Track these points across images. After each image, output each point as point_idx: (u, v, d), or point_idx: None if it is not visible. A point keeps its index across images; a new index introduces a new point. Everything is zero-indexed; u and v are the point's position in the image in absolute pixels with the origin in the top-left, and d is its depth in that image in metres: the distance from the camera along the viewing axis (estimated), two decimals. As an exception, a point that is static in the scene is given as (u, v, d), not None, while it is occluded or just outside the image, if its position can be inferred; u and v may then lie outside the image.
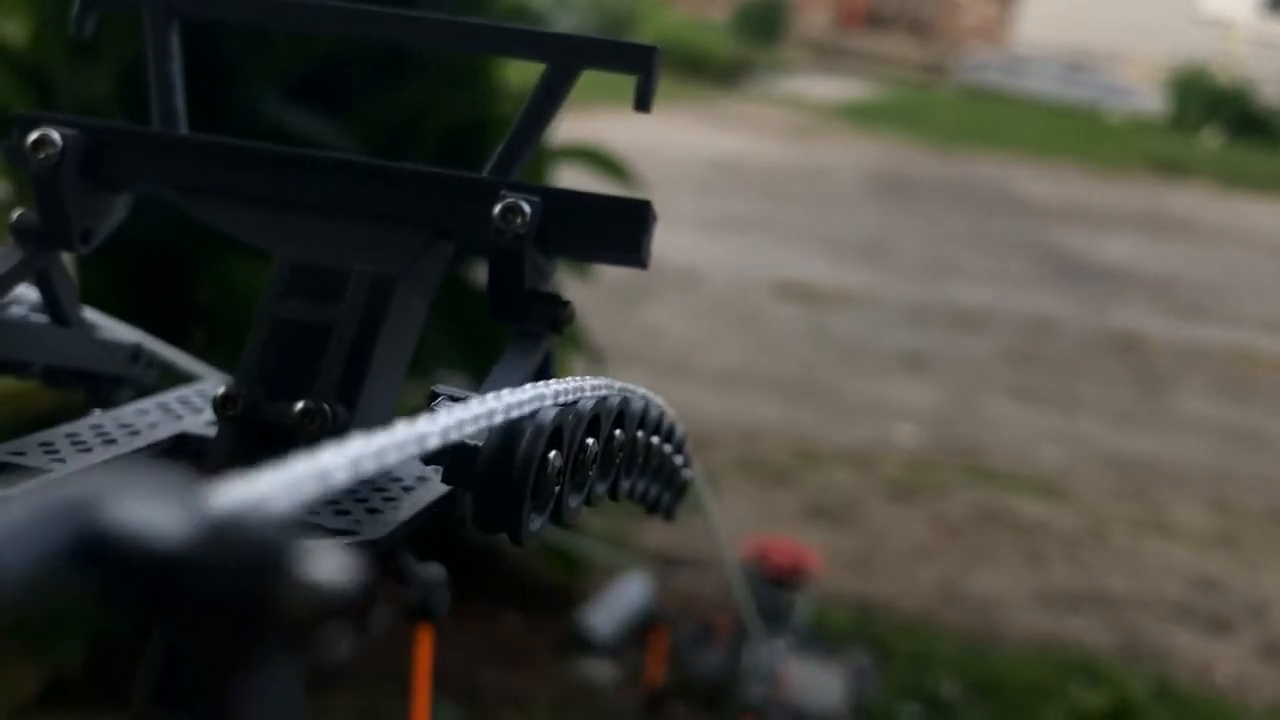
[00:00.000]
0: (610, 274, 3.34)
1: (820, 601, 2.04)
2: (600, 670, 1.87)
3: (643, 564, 2.10)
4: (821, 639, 1.96)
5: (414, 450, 0.22)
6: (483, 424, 0.27)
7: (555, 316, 0.38)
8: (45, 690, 1.51)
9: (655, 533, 2.23)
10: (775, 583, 1.79)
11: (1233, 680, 2.13)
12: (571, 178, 2.07)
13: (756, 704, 1.66)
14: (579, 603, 1.99)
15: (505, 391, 0.28)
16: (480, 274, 1.69)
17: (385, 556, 0.37)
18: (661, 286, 4.04)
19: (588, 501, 0.35)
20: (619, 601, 1.99)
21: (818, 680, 1.82)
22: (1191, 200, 7.36)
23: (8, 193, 1.58)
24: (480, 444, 0.30)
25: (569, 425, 0.32)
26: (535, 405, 0.30)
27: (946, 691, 1.95)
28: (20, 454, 0.34)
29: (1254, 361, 4.18)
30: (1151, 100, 11.09)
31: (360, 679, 1.74)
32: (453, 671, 1.81)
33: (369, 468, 0.20)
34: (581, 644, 1.92)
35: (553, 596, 2.00)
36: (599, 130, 2.28)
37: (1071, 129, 9.50)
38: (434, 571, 0.51)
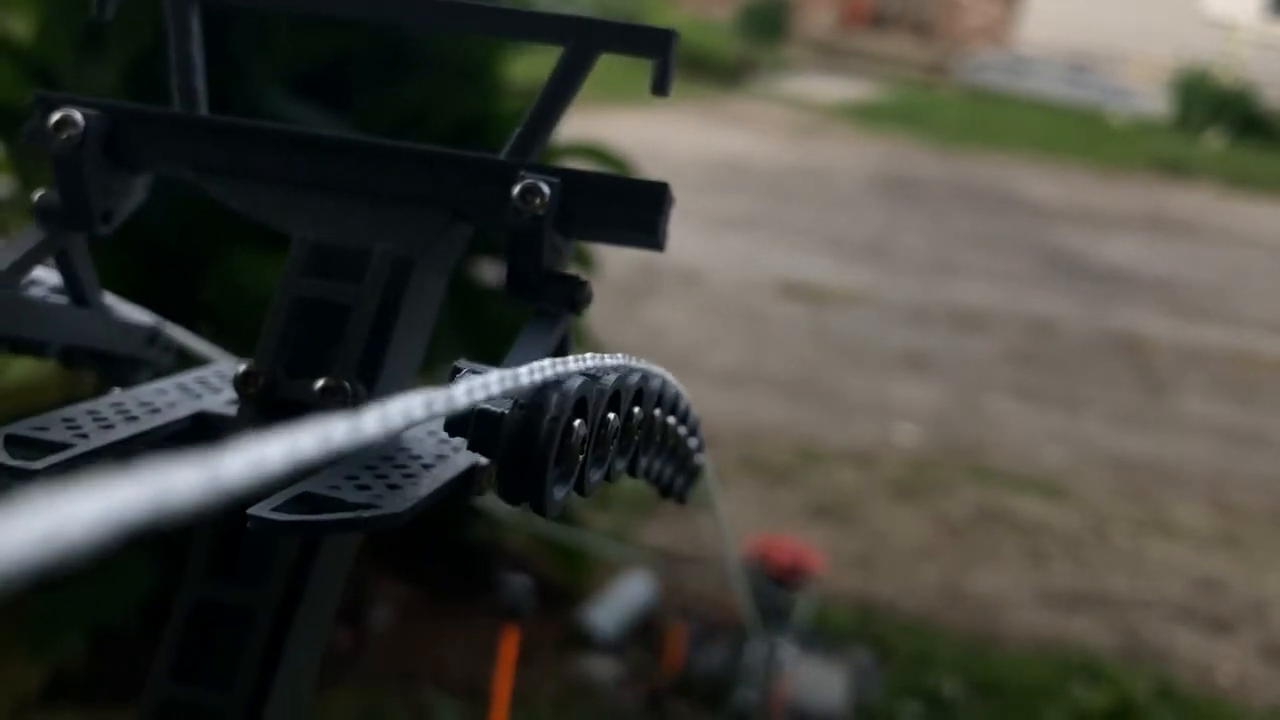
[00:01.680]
0: (613, 272, 3.33)
1: (822, 601, 2.04)
2: (602, 667, 1.88)
3: (645, 562, 2.11)
4: (823, 638, 1.96)
5: (441, 411, 0.23)
6: (509, 388, 0.27)
7: (573, 296, 0.38)
8: (47, 686, 1.51)
9: (657, 531, 2.23)
10: (777, 582, 1.79)
11: (1234, 681, 2.13)
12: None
13: (746, 710, 1.66)
14: (581, 600, 1.99)
15: (532, 364, 0.28)
16: (488, 270, 1.70)
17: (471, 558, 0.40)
18: (664, 285, 4.04)
19: (608, 477, 0.35)
20: (621, 599, 1.99)
21: (819, 679, 1.83)
22: (1194, 202, 7.36)
23: (12, 188, 1.58)
24: (505, 412, 0.30)
25: (593, 396, 0.32)
26: (559, 376, 0.30)
27: (947, 691, 1.95)
28: (44, 429, 0.34)
29: (1255, 362, 4.18)
30: (1155, 102, 11.09)
31: (362, 677, 1.74)
32: (454, 667, 1.81)
33: (400, 425, 0.20)
34: (584, 641, 1.92)
35: (555, 594, 2.00)
36: (603, 128, 2.29)
37: (1074, 130, 9.50)
38: (522, 579, 0.55)
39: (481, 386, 0.25)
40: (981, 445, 3.08)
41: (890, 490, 2.73)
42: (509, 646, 0.56)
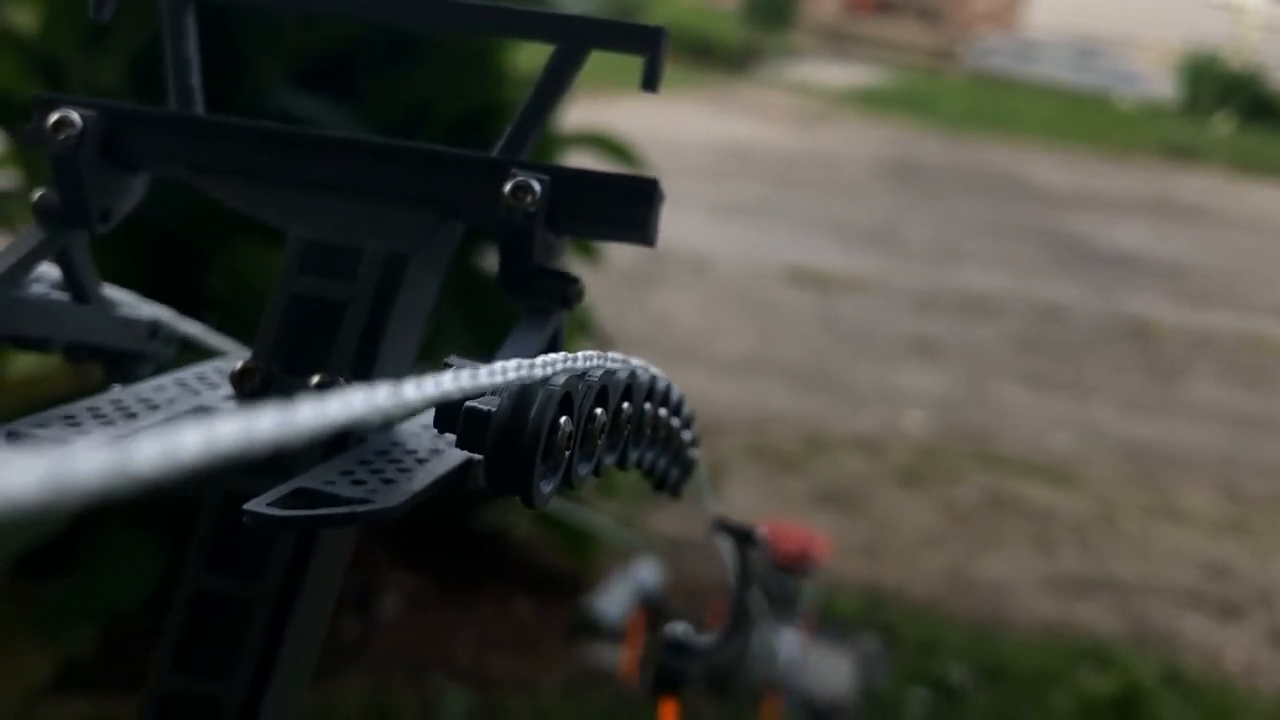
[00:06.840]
0: (620, 260, 3.33)
1: (829, 587, 2.05)
2: (609, 655, 1.88)
3: (652, 549, 2.11)
4: (830, 625, 1.96)
5: (428, 398, 0.23)
6: (497, 384, 0.28)
7: (565, 293, 0.39)
8: (57, 676, 1.52)
9: (663, 519, 2.23)
10: (784, 569, 1.79)
11: (1242, 666, 2.13)
12: (580, 163, 2.07)
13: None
14: (588, 588, 1.99)
15: (520, 361, 0.29)
16: (490, 258, 1.70)
17: None
18: (671, 273, 4.04)
19: (596, 470, 0.36)
20: (628, 586, 2.00)
21: (827, 666, 1.83)
22: (1202, 186, 7.33)
23: (18, 180, 1.58)
24: (493, 409, 0.30)
25: (579, 393, 0.33)
26: (547, 373, 0.30)
27: (955, 677, 1.96)
28: (44, 426, 0.35)
29: (1264, 347, 4.17)
30: (1163, 86, 11.04)
31: (370, 666, 1.75)
32: (462, 656, 1.82)
33: (386, 413, 0.21)
34: (591, 629, 1.92)
35: (562, 582, 2.01)
36: (608, 116, 2.28)
37: (1082, 115, 9.47)
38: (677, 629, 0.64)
39: (470, 380, 0.25)
40: (989, 432, 3.08)
41: (898, 477, 2.73)
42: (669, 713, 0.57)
